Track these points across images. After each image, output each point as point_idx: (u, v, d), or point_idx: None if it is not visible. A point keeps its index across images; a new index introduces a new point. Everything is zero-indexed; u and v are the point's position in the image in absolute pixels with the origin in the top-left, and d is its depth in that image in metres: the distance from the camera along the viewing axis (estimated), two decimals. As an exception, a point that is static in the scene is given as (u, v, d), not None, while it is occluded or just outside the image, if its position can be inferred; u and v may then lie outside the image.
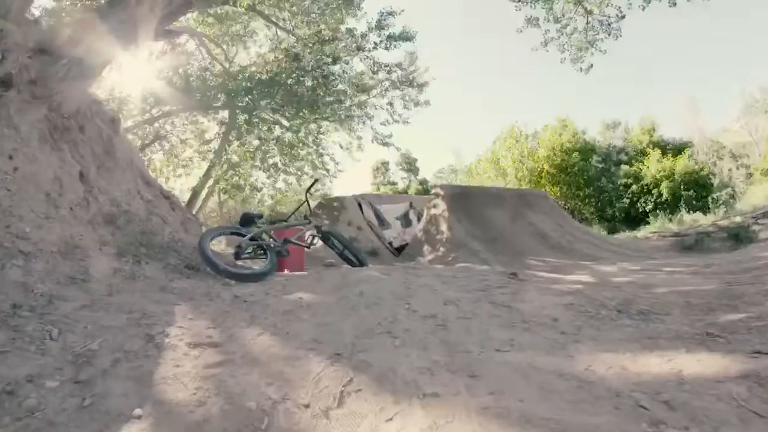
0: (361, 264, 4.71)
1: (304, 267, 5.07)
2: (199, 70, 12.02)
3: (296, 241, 4.43)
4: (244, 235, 3.89)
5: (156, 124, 13.46)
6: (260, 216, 4.34)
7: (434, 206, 8.68)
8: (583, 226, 13.27)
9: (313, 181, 5.20)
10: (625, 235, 16.59)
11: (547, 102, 67.15)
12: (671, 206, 17.52)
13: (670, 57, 64.84)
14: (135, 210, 3.51)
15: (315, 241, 4.66)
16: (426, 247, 8.05)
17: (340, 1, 10.54)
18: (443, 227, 8.06)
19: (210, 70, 12.21)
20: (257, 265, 3.99)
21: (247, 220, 4.17)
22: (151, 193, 4.03)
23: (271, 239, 4.20)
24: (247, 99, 9.94)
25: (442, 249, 7.51)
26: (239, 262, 3.91)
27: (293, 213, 5.41)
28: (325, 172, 13.44)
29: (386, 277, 3.40)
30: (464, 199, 8.60)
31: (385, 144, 14.21)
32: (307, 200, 4.72)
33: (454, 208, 8.35)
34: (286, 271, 4.48)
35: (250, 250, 3.95)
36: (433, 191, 9.70)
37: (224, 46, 12.37)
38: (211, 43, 12.20)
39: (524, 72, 73.89)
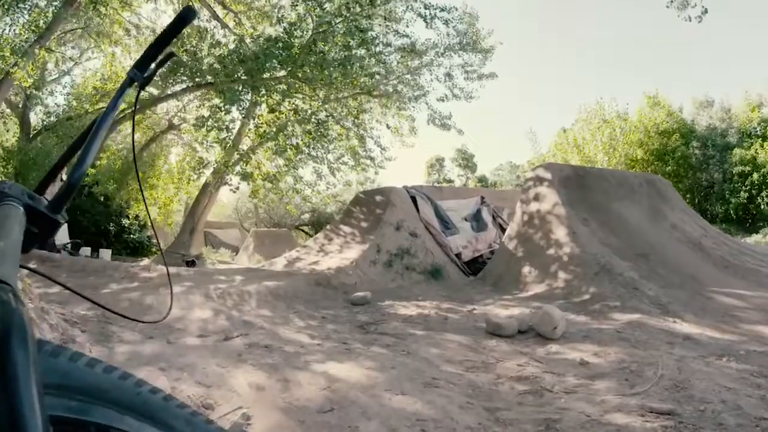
0: None
1: None
2: (208, 45, 9.66)
3: None
4: None
5: (167, 111, 11.32)
6: None
7: (535, 198, 5.47)
8: (718, 230, 9.81)
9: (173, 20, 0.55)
10: (752, 240, 13.17)
11: (608, 81, 62.28)
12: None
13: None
14: None
15: None
16: (527, 269, 4.85)
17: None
18: (558, 233, 4.84)
19: (224, 44, 9.85)
20: None
21: None
22: None
23: None
24: (259, 64, 7.35)
25: (562, 274, 4.31)
26: None
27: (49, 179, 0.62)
28: (368, 161, 10.65)
29: None
30: (582, 187, 5.40)
31: (445, 126, 11.27)
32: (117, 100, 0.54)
33: (572, 200, 5.11)
34: None
35: None
36: (529, 174, 6.13)
37: (246, 22, 9.91)
38: (228, 12, 9.86)
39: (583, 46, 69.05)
